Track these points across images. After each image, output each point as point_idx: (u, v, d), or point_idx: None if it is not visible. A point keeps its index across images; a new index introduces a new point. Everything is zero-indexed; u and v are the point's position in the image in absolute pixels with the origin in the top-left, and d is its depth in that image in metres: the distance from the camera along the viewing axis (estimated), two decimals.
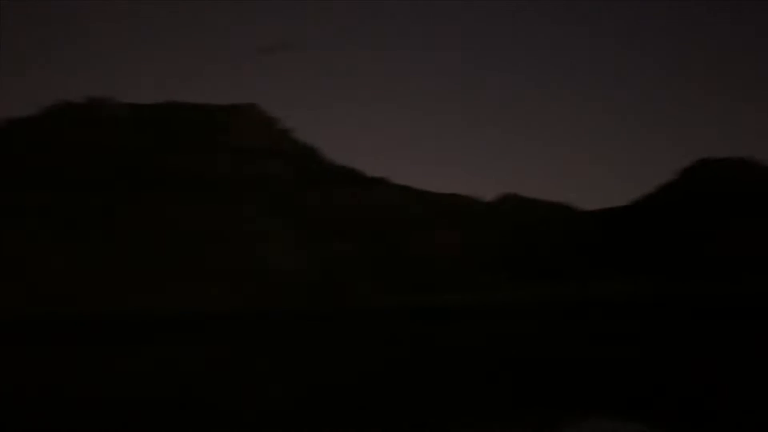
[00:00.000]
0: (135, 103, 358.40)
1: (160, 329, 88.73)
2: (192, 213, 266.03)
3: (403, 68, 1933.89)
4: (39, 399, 21.89)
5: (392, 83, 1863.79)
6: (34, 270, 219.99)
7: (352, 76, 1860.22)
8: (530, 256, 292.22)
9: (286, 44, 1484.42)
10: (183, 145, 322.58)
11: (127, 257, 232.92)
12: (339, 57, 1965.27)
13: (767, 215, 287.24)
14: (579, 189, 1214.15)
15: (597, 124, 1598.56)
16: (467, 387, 22.51)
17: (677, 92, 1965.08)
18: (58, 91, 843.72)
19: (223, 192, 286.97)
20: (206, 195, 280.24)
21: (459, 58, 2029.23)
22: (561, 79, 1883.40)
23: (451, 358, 33.35)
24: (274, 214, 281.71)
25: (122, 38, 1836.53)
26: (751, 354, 30.24)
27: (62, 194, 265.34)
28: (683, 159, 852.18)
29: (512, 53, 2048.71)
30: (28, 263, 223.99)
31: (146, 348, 49.63)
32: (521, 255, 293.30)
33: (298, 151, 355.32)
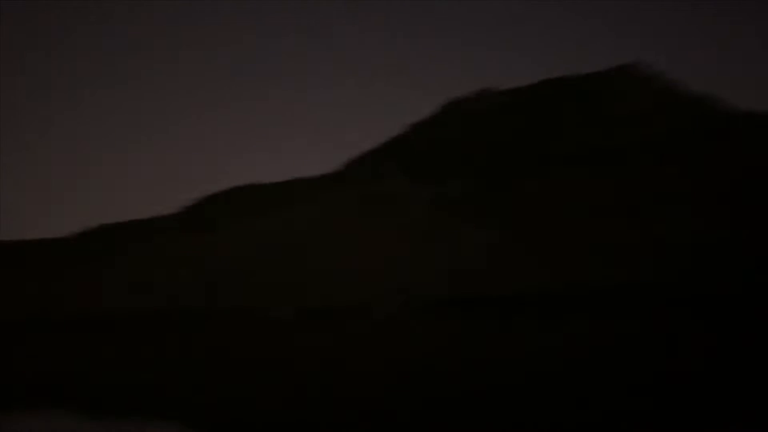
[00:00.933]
0: (511, 88, 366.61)
1: (577, 305, 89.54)
2: (595, 186, 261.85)
3: None
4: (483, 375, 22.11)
5: None
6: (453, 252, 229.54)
7: None
8: None
9: None
10: (571, 119, 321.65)
11: (541, 234, 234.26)
12: None
13: None
14: None
15: None
16: None
17: None
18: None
19: (620, 160, 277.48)
20: (605, 167, 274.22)
21: None
22: None
23: None
24: (673, 177, 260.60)
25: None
26: None
27: (479, 181, 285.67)
28: None
29: None
30: (443, 246, 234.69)
31: (566, 323, 50.64)
32: None
33: (687, 105, 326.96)
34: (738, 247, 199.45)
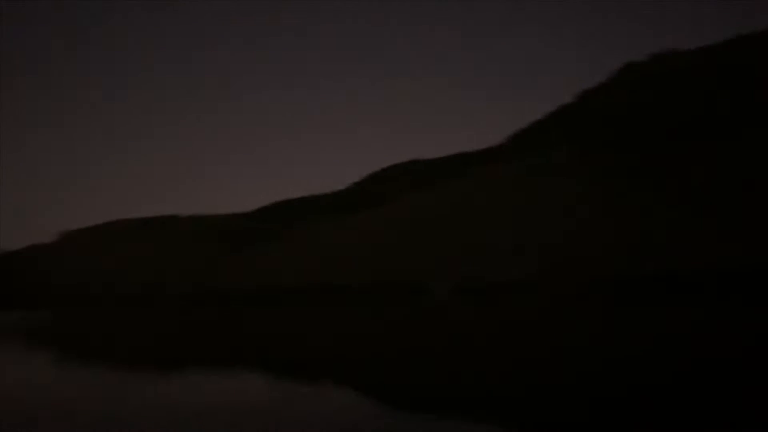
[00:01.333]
0: (691, 48, 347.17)
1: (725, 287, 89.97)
2: None
3: None
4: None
5: None
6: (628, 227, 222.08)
7: None
8: None
9: None
10: (760, 81, 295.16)
11: (726, 209, 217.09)
12: None
13: None
14: None
15: None
16: None
17: None
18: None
19: None
20: None
21: None
22: None
23: None
24: None
25: None
26: None
27: (640, 153, 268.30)
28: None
29: None
30: (623, 222, 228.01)
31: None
32: None
33: None
34: None
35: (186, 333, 47.66)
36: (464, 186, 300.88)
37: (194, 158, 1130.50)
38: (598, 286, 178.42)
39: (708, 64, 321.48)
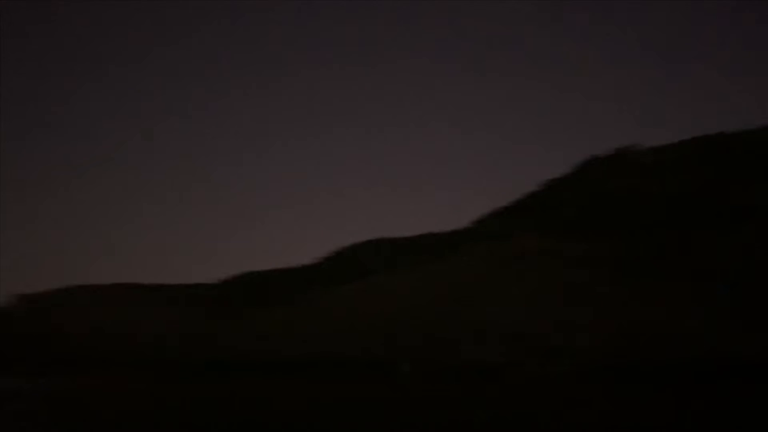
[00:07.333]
0: (655, 146, 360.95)
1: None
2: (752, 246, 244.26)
3: None
4: None
5: None
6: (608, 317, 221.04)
7: None
8: None
9: None
10: (732, 177, 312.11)
11: (686, 298, 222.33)
12: None
13: None
14: None
15: None
16: None
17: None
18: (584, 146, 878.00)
19: None
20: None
21: None
22: None
23: None
24: None
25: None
26: None
27: (615, 242, 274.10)
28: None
29: None
30: (601, 311, 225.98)
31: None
32: None
33: None
34: None
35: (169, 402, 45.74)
36: (432, 267, 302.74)
37: (165, 229, 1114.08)
38: (563, 373, 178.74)
39: (672, 160, 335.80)
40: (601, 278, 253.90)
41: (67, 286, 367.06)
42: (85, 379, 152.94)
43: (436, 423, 21.34)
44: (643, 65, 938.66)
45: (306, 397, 44.52)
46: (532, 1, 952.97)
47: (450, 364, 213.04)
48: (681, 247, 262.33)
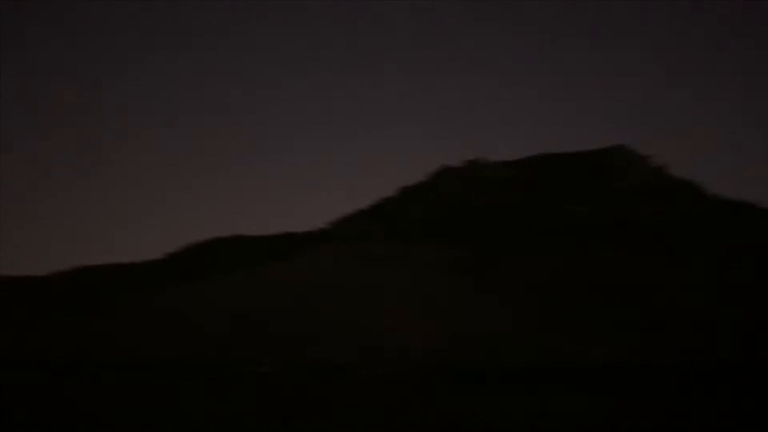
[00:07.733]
0: (506, 160, 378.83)
1: (583, 379, 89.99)
2: (591, 262, 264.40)
3: None
4: None
5: None
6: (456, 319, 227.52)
7: None
8: None
9: None
10: (564, 194, 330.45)
11: (538, 307, 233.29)
12: None
13: None
14: None
15: None
16: None
17: None
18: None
19: (615, 237, 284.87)
20: (600, 243, 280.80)
21: None
22: None
23: None
24: (670, 258, 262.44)
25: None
26: None
27: (468, 250, 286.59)
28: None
29: None
30: (454, 315, 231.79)
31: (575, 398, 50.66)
32: None
33: (677, 188, 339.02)
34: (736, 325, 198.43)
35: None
36: (289, 266, 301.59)
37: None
38: (417, 374, 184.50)
39: (516, 175, 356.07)
40: (442, 284, 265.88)
41: None
42: None
43: (269, 424, 21.69)
44: (503, 82, 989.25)
45: (120, 398, 43.40)
46: (401, 5, 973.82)
47: (296, 364, 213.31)
48: (509, 256, 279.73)
